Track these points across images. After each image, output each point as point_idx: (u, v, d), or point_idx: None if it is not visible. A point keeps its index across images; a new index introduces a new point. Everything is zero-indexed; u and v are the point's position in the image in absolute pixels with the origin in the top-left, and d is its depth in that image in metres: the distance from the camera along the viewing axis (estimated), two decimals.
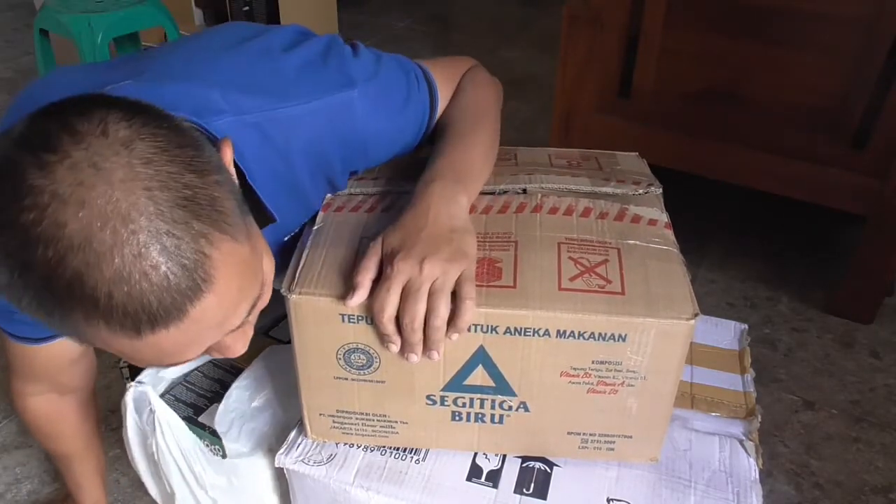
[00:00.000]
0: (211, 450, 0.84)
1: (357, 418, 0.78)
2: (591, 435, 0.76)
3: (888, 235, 1.54)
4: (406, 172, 0.82)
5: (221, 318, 0.54)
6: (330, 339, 0.71)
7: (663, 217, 0.78)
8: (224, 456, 0.83)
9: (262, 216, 0.69)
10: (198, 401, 0.86)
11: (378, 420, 0.77)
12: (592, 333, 0.67)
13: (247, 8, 2.44)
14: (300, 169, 0.74)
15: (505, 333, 0.68)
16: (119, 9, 1.90)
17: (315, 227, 0.77)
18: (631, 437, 0.76)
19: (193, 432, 0.84)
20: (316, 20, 2.67)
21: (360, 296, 0.67)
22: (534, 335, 0.68)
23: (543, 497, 0.76)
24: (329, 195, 0.81)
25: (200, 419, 0.84)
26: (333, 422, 0.78)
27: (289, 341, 0.92)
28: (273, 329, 0.97)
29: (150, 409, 0.81)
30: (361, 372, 0.73)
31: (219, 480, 0.83)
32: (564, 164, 0.88)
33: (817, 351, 1.60)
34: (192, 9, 2.63)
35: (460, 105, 0.84)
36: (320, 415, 0.78)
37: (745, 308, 1.71)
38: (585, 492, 0.76)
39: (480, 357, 0.70)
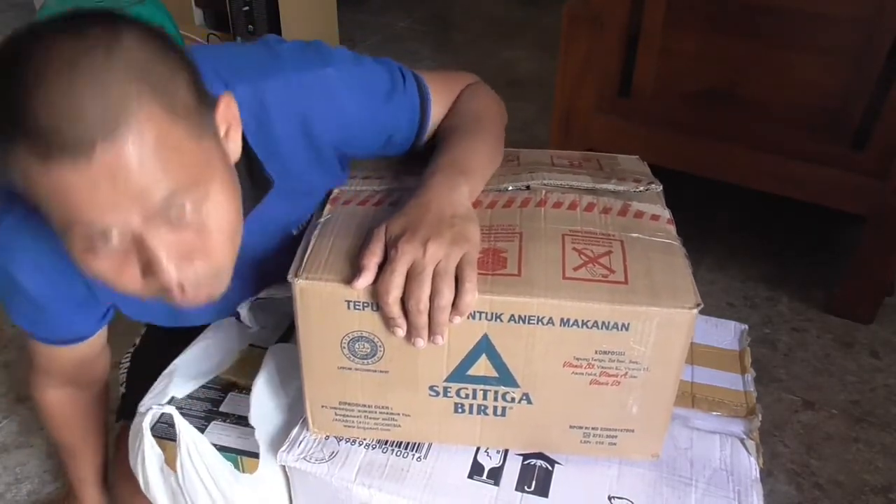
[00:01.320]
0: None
1: (359, 411, 0.78)
2: (592, 429, 0.76)
3: (888, 235, 1.54)
4: (412, 171, 0.83)
5: (135, 187, 0.56)
6: (335, 326, 0.72)
7: (665, 213, 0.79)
8: (241, 468, 0.84)
9: (263, 181, 0.76)
10: (193, 422, 0.86)
11: (380, 412, 0.77)
12: (596, 322, 0.68)
13: (247, 8, 2.43)
14: (287, 141, 0.76)
15: (509, 321, 0.69)
16: (119, 9, 1.90)
17: (322, 219, 0.78)
18: (633, 431, 0.76)
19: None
20: (316, 19, 2.67)
21: (367, 278, 0.68)
22: (538, 323, 0.68)
23: (545, 495, 0.76)
24: (336, 189, 0.82)
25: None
26: (336, 414, 0.79)
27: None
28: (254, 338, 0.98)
29: (175, 432, 0.81)
30: (365, 361, 0.73)
31: (244, 493, 0.83)
32: (566, 163, 0.89)
33: (817, 351, 1.60)
34: (193, 9, 2.62)
35: (461, 111, 0.85)
36: (322, 407, 0.78)
37: (745, 308, 1.71)
38: (587, 490, 0.76)
39: (484, 346, 0.71)
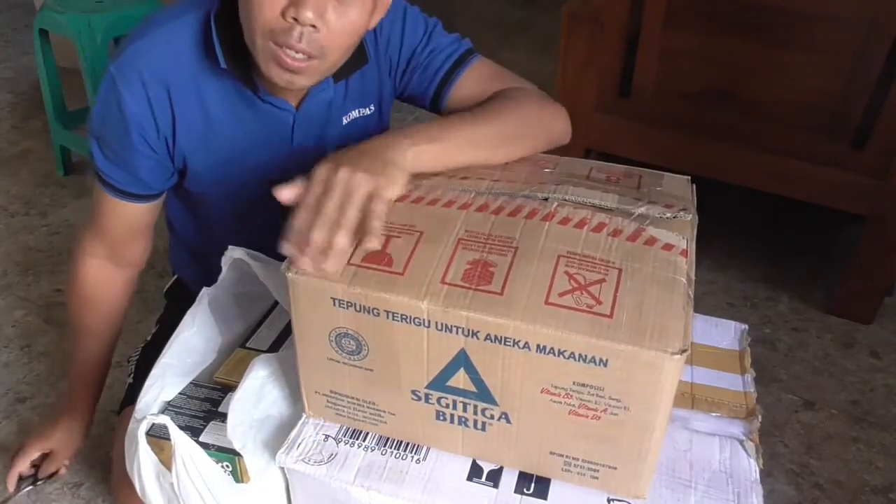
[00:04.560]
0: (223, 466, 0.84)
1: (349, 402, 0.78)
2: (573, 459, 0.73)
3: (888, 235, 1.55)
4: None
5: None
6: (323, 321, 0.72)
7: (681, 244, 0.72)
8: (235, 472, 0.84)
9: (362, 55, 0.92)
10: (192, 422, 0.86)
11: (367, 407, 0.78)
12: (573, 353, 0.65)
13: None
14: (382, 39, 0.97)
15: (486, 340, 0.67)
16: (119, 9, 1.90)
17: None
18: (615, 468, 0.73)
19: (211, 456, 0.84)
20: None
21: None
22: (514, 346, 0.67)
23: (544, 497, 0.76)
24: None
25: (202, 439, 0.84)
26: (328, 401, 0.79)
27: (269, 349, 0.94)
28: (250, 340, 0.98)
29: (170, 442, 0.81)
30: (351, 357, 0.74)
31: (239, 501, 0.84)
32: (602, 178, 0.85)
33: (817, 351, 1.60)
34: None
35: (484, 103, 0.93)
36: (316, 392, 0.79)
37: (745, 308, 1.71)
38: (586, 492, 0.76)
39: (462, 360, 0.70)
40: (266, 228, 0.89)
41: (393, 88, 1.03)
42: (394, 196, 0.74)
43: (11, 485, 1.21)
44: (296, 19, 0.78)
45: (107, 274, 1.07)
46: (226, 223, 0.94)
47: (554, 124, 0.95)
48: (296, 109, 0.95)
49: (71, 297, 1.10)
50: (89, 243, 1.05)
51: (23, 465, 1.21)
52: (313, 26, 0.79)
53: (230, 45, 0.88)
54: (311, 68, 0.83)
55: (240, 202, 1.02)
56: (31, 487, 1.24)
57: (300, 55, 0.81)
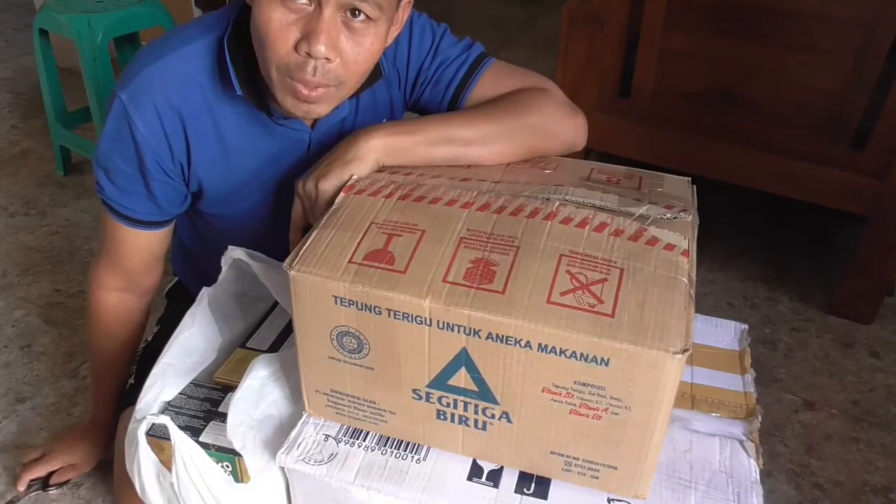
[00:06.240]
0: (223, 466, 0.84)
1: (349, 401, 0.78)
2: (574, 458, 0.74)
3: (888, 235, 1.55)
4: (439, 172, 0.85)
5: None
6: (324, 319, 0.72)
7: (683, 244, 0.73)
8: (235, 472, 0.84)
9: (377, 69, 0.89)
10: (192, 422, 0.86)
11: (368, 406, 0.78)
12: (574, 352, 0.65)
13: None
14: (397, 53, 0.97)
15: (487, 339, 0.68)
16: (119, 9, 1.90)
17: (332, 208, 0.78)
18: (616, 468, 0.73)
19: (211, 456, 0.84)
20: None
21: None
22: (515, 345, 0.67)
23: (544, 497, 0.76)
24: (355, 176, 0.83)
25: (202, 439, 0.84)
26: (328, 400, 0.79)
27: (269, 349, 0.95)
28: (250, 340, 0.98)
29: (170, 442, 0.81)
30: (352, 356, 0.74)
31: (239, 501, 0.84)
32: (603, 178, 0.86)
33: (817, 351, 1.60)
34: (193, 9, 2.63)
35: (484, 103, 0.94)
36: (316, 391, 0.79)
37: (745, 308, 1.71)
38: (586, 492, 0.76)
39: (463, 359, 0.70)
40: (279, 245, 0.89)
41: (403, 100, 1.02)
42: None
43: (22, 485, 1.23)
44: (308, 54, 0.78)
45: (127, 305, 1.08)
46: (239, 242, 0.94)
47: (562, 129, 0.94)
48: (311, 129, 0.95)
49: (93, 331, 1.11)
50: (106, 277, 1.04)
51: (41, 472, 1.24)
52: (327, 59, 0.79)
53: (244, 72, 0.87)
54: (327, 96, 0.83)
55: (254, 221, 1.01)
56: (39, 492, 1.25)
57: (314, 90, 0.81)
